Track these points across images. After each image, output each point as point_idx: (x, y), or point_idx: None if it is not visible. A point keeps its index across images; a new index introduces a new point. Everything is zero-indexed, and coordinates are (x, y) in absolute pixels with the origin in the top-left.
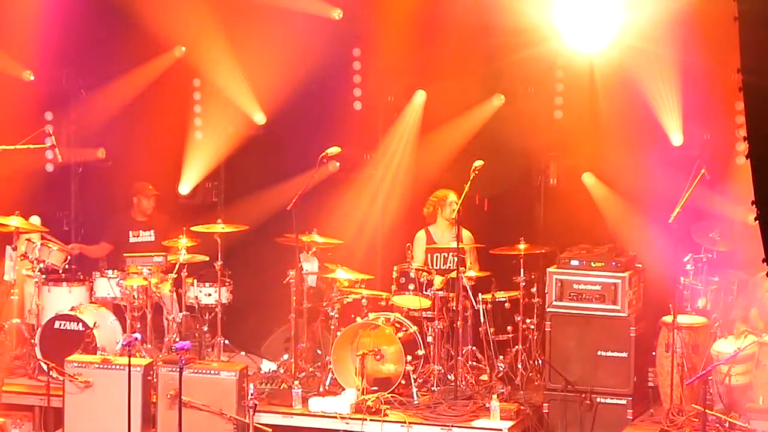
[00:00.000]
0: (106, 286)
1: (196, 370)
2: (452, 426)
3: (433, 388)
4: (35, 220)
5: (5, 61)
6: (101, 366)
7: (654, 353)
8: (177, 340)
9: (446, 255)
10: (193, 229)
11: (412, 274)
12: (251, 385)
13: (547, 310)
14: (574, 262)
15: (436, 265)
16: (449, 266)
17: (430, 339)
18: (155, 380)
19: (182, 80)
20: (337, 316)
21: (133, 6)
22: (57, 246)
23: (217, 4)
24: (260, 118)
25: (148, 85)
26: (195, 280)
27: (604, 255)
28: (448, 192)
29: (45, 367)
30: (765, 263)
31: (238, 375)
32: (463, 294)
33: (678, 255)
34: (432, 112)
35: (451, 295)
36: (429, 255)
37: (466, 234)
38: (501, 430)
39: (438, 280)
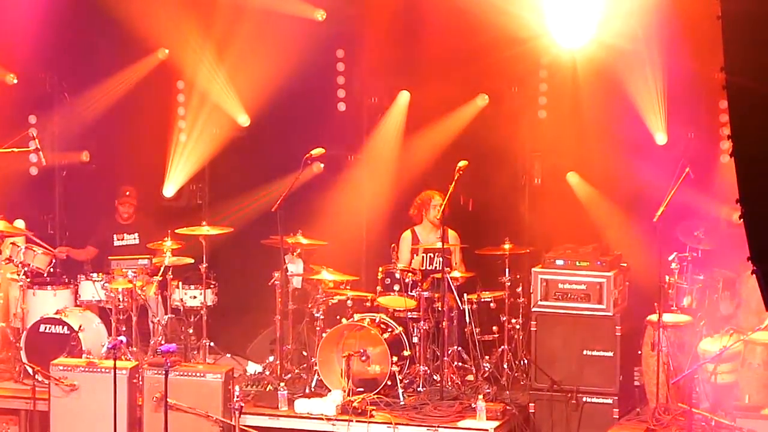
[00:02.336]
0: (91, 289)
1: (181, 373)
2: (438, 426)
3: (418, 389)
4: (20, 223)
5: None
6: (87, 369)
7: (640, 352)
8: (162, 342)
9: (432, 255)
10: (177, 231)
11: (397, 275)
12: (237, 387)
13: (533, 309)
14: (559, 262)
15: (422, 266)
16: (435, 267)
17: (415, 340)
18: (141, 383)
19: (166, 82)
20: (322, 317)
21: (117, 9)
22: (42, 249)
23: (201, 7)
24: (244, 120)
25: (132, 88)
26: (180, 283)
27: (589, 254)
28: (433, 194)
29: (30, 370)
30: (750, 261)
31: (224, 377)
32: (448, 294)
33: (663, 254)
34: (416, 113)
35: (436, 295)
36: (414, 255)
37: (451, 234)
38: (487, 430)
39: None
